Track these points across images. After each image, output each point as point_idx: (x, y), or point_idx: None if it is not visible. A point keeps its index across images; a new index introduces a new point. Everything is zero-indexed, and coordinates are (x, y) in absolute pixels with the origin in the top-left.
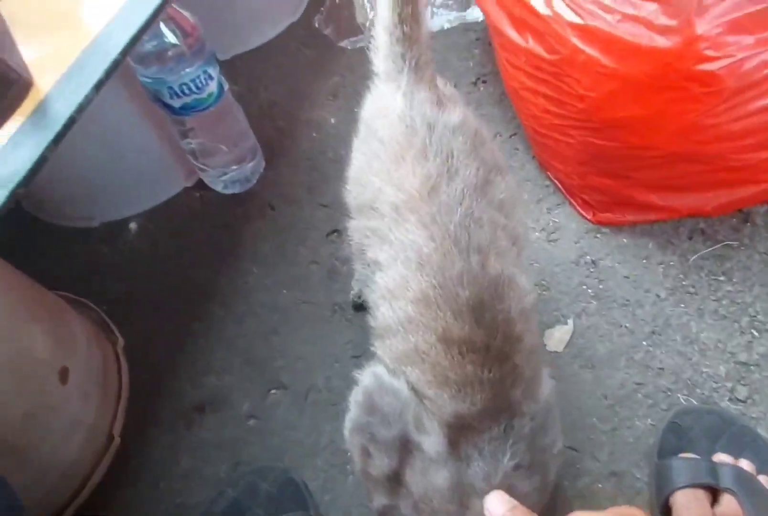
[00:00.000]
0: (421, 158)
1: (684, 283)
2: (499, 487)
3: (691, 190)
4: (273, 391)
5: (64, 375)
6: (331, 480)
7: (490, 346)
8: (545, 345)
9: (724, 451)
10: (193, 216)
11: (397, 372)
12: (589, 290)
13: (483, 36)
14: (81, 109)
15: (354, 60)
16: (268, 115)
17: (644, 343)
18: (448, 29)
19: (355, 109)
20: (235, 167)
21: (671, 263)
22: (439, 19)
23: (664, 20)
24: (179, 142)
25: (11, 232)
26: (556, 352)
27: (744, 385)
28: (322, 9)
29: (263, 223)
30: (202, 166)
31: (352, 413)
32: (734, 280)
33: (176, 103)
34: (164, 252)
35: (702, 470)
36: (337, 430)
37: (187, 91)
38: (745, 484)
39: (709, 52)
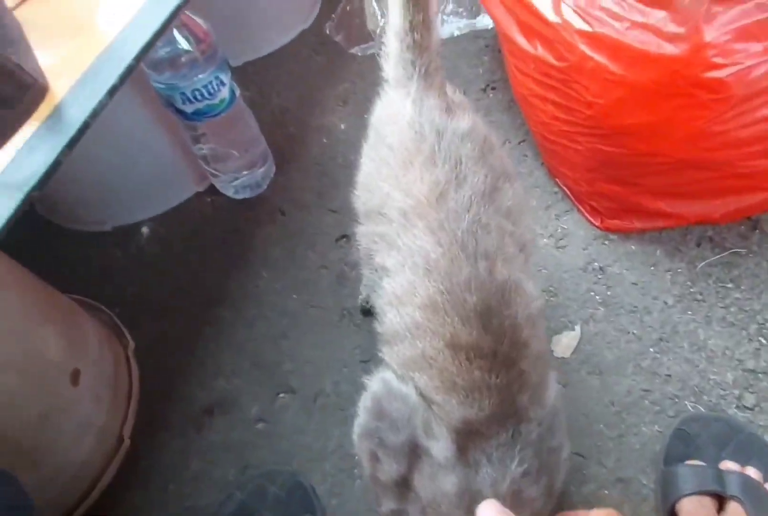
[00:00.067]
0: (430, 164)
1: (692, 290)
2: (506, 493)
3: (699, 197)
4: (282, 395)
5: (75, 377)
6: (338, 484)
7: (497, 352)
8: (552, 351)
9: (731, 459)
10: (204, 220)
11: (405, 378)
12: (597, 297)
13: (492, 43)
14: (95, 114)
15: (365, 66)
16: (279, 120)
17: (651, 349)
18: (458, 36)
19: (365, 116)
20: (246, 172)
21: (679, 270)
22: (449, 27)
23: (672, 27)
24: (191, 147)
25: (25, 236)
26: (564, 358)
27: (752, 392)
28: (333, 16)
29: (273, 227)
30: (213, 171)
31: (361, 418)
32: (742, 287)
33: (188, 109)
34: (175, 256)
35: (708, 477)
36: (345, 434)
37: (199, 97)
38: (751, 492)
39: (717, 60)
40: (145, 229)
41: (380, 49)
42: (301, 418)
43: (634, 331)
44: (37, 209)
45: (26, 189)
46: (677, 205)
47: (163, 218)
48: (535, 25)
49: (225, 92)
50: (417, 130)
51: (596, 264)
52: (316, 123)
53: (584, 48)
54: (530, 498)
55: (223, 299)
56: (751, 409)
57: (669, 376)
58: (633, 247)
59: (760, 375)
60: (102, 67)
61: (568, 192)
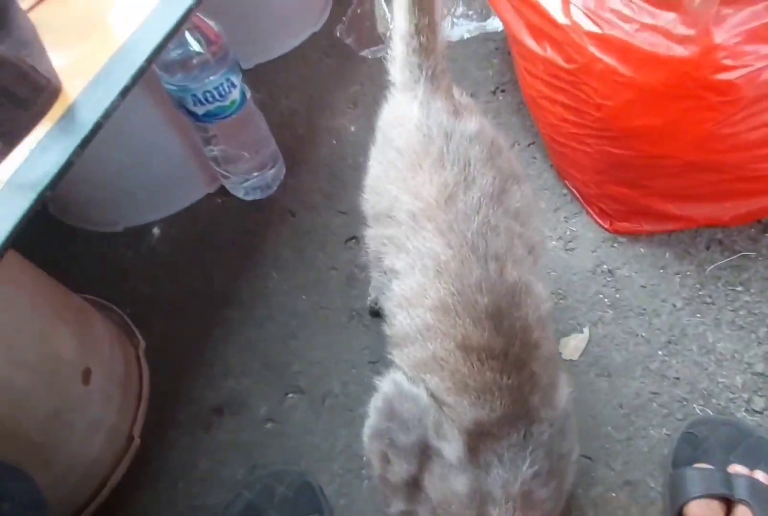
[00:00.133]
0: (438, 167)
1: (701, 293)
2: (517, 494)
3: (709, 200)
4: (290, 395)
5: (86, 376)
6: (346, 485)
7: (508, 353)
8: (561, 353)
9: (739, 463)
10: (214, 221)
11: (415, 380)
12: (606, 299)
13: (502, 46)
14: (107, 114)
15: (374, 69)
16: (289, 123)
17: (660, 352)
18: (467, 39)
19: (375, 118)
20: (256, 174)
21: (688, 273)
22: (459, 29)
23: (682, 29)
24: (202, 148)
25: (38, 236)
26: (572, 360)
27: (761, 396)
28: (344, 19)
29: (283, 229)
30: (224, 173)
31: (372, 419)
32: (752, 290)
33: (200, 110)
34: (186, 257)
35: (717, 481)
36: (353, 435)
37: (210, 99)
38: (759, 496)
39: (727, 62)
40: (156, 230)
41: (387, 53)
42: (310, 419)
43: (643, 334)
44: (50, 210)
45: (39, 189)
46: (686, 208)
47: (174, 219)
48: (544, 27)
49: (236, 94)
50: (425, 133)
51: (605, 266)
52: (326, 125)
53: (593, 50)
54: (541, 499)
55: (233, 300)
56: (760, 413)
57: (677, 379)
58: (642, 249)
59: None
60: (114, 68)
61: (577, 194)
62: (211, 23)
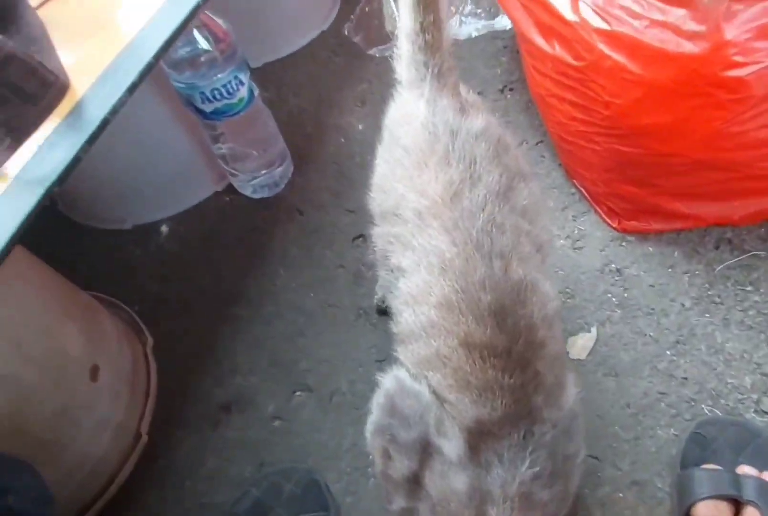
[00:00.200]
0: (444, 164)
1: (710, 292)
2: (515, 494)
3: (718, 199)
4: (298, 393)
5: (94, 373)
6: (353, 483)
7: (511, 351)
8: (568, 352)
9: (748, 464)
10: (222, 219)
11: (418, 377)
12: (614, 298)
13: (511, 44)
14: (115, 110)
15: (382, 67)
16: (297, 121)
17: (668, 352)
18: (476, 37)
19: (383, 116)
20: (264, 172)
21: (697, 272)
22: (467, 28)
23: (692, 26)
24: (210, 146)
25: (46, 233)
26: (579, 359)
27: None
28: (352, 17)
29: (291, 227)
30: (232, 171)
31: (374, 415)
32: (761, 290)
33: (208, 108)
34: (194, 254)
35: (725, 482)
36: (360, 433)
37: (218, 96)
38: None
39: (738, 58)
40: (164, 228)
41: (394, 51)
42: (317, 417)
43: (651, 334)
44: (59, 207)
45: (47, 184)
46: (695, 207)
47: (182, 217)
48: (553, 25)
49: (244, 92)
50: (431, 131)
51: (613, 265)
52: (334, 123)
53: (602, 47)
54: (541, 501)
55: (240, 297)
56: None
57: (686, 379)
58: (650, 248)
59: None
60: (122, 65)
61: (586, 193)
62: (220, 21)
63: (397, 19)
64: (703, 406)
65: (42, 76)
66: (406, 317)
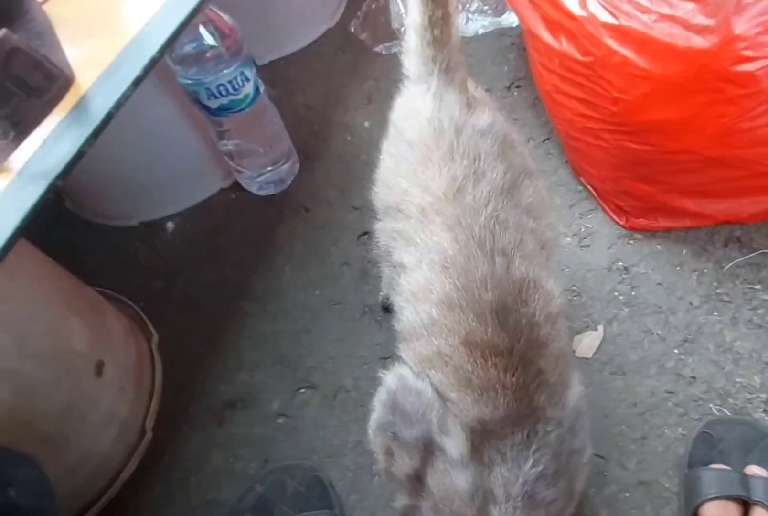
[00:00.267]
0: (448, 160)
1: (718, 291)
2: (518, 493)
3: (727, 196)
4: (302, 390)
5: (99, 368)
6: (358, 480)
7: (513, 350)
8: (574, 351)
9: (756, 464)
10: (228, 216)
11: (421, 375)
12: (621, 297)
13: (518, 41)
14: (119, 105)
15: (389, 65)
16: (303, 118)
17: (676, 351)
18: (483, 34)
19: (389, 113)
20: (270, 168)
21: (705, 271)
22: (474, 25)
23: (701, 20)
24: (216, 143)
25: (53, 230)
26: (586, 358)
27: None
28: (358, 14)
29: (297, 224)
30: (238, 168)
31: (376, 413)
32: None
33: (213, 104)
34: (200, 251)
35: (733, 482)
36: (365, 430)
37: (224, 92)
38: None
39: (747, 53)
40: (170, 225)
41: (402, 46)
42: (322, 414)
43: (659, 332)
44: (66, 204)
45: (52, 177)
46: (704, 204)
47: (188, 214)
48: (560, 20)
49: (249, 88)
50: (436, 126)
51: (620, 263)
52: (341, 121)
53: (610, 42)
54: (546, 500)
55: (246, 294)
56: None
57: (694, 378)
58: (659, 246)
59: None
60: (127, 59)
61: (593, 190)
62: (226, 17)
63: (403, 16)
64: (711, 405)
65: (46, 69)
66: (408, 315)
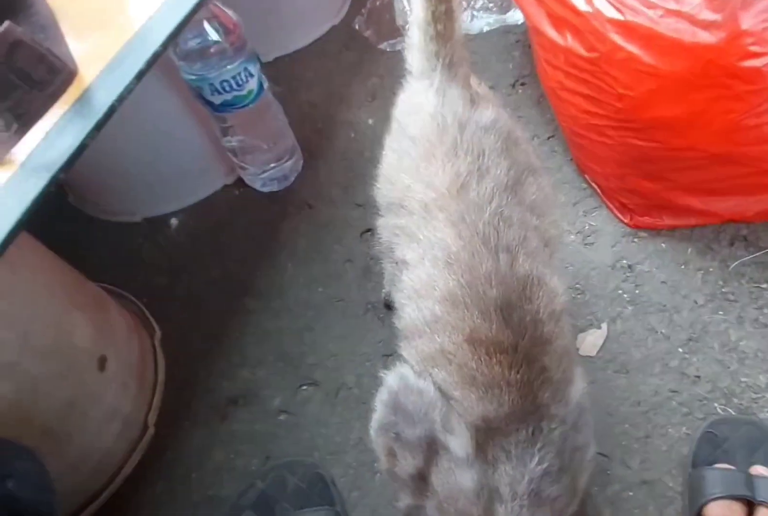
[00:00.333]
0: (452, 156)
1: (724, 290)
2: (524, 491)
3: (733, 194)
4: (304, 387)
5: (102, 363)
6: (359, 477)
7: (517, 347)
8: (577, 349)
9: (761, 464)
10: (231, 213)
11: (423, 374)
12: (625, 295)
13: (523, 39)
14: (122, 98)
15: (393, 62)
16: (307, 115)
17: (680, 349)
18: (488, 32)
19: (393, 109)
20: (274, 165)
21: (711, 269)
22: (479, 22)
23: (707, 15)
24: (220, 140)
25: (57, 225)
26: (589, 356)
27: None
28: (363, 11)
29: (300, 221)
30: (241, 164)
31: (378, 413)
32: None
33: (217, 100)
34: (203, 247)
35: (738, 482)
36: (366, 428)
37: (227, 88)
38: None
39: (755, 48)
40: (173, 221)
41: (405, 41)
42: (324, 411)
43: (663, 331)
44: (69, 199)
45: (55, 169)
46: (710, 202)
47: (192, 210)
48: (565, 16)
49: (253, 84)
50: (439, 122)
51: (625, 261)
52: (344, 118)
53: (615, 37)
54: (551, 497)
55: (248, 291)
56: None
57: (698, 377)
58: (663, 244)
59: None
60: (130, 53)
61: (598, 188)
62: (230, 12)
63: (408, 13)
64: (715, 404)
65: (50, 62)
66: (410, 312)
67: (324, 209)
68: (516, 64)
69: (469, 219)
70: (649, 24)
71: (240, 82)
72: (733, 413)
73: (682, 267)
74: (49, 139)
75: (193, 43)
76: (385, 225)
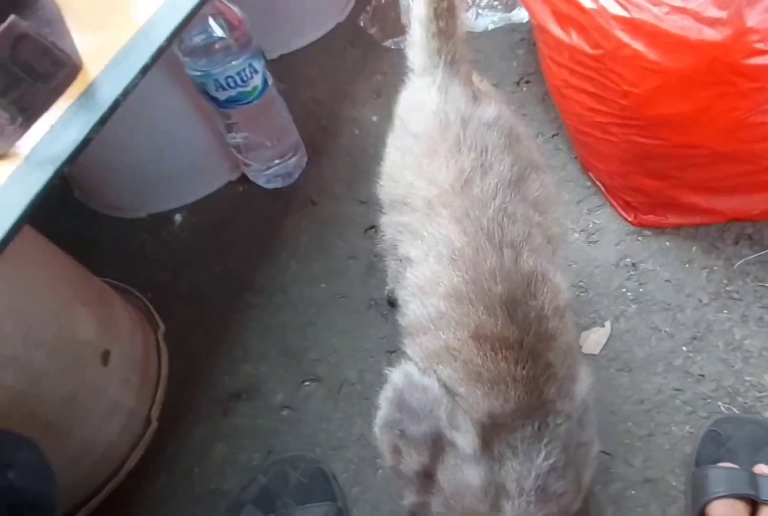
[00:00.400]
0: (455, 152)
1: (728, 288)
2: (531, 487)
3: (738, 192)
4: (307, 383)
5: (105, 357)
6: (360, 473)
7: (523, 343)
8: (580, 347)
9: (765, 463)
10: (236, 209)
11: (427, 371)
12: (629, 293)
13: (528, 37)
14: (126, 92)
15: (398, 59)
16: (312, 112)
17: (684, 348)
18: (492, 30)
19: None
20: (278, 162)
21: (715, 268)
22: (483, 20)
23: (713, 12)
24: (225, 136)
25: (62, 221)
26: (592, 354)
27: None
28: (368, 9)
29: (304, 217)
30: (246, 161)
31: (382, 410)
32: None
33: (221, 96)
34: (207, 243)
35: (741, 481)
36: (368, 423)
37: (232, 84)
38: None
39: (760, 46)
40: (178, 217)
41: (406, 38)
42: (326, 407)
43: (667, 329)
44: (75, 195)
45: (58, 163)
46: (715, 200)
47: (196, 206)
48: (570, 13)
49: (257, 80)
50: (442, 118)
51: (629, 260)
52: (349, 115)
53: (620, 35)
54: (557, 493)
55: (252, 287)
56: None
57: (702, 375)
58: (668, 243)
59: None
60: (135, 48)
61: (602, 186)
62: (235, 9)
63: (410, 5)
64: (719, 403)
65: (54, 55)
66: (414, 309)
67: (328, 206)
68: (521, 62)
69: (473, 215)
70: (655, 21)
71: (244, 79)
72: (737, 412)
73: (687, 265)
74: (54, 132)
75: (198, 39)
76: (388, 222)
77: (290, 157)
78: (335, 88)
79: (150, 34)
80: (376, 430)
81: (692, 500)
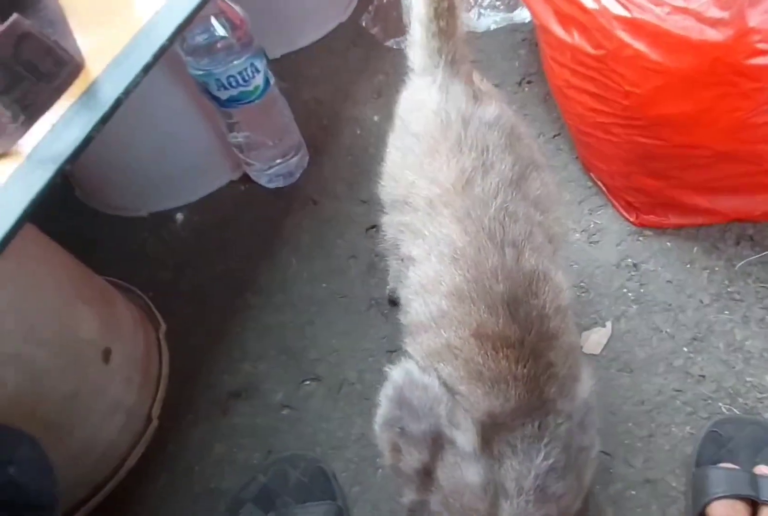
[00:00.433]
0: (456, 152)
1: (729, 289)
2: (530, 487)
3: (740, 193)
4: (307, 382)
5: (107, 356)
6: (360, 472)
7: (524, 342)
8: (581, 347)
9: (766, 464)
10: (237, 208)
11: (428, 369)
12: (630, 294)
13: (530, 37)
14: (128, 91)
15: (399, 59)
16: (313, 112)
17: (685, 349)
18: (494, 30)
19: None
20: (279, 161)
21: (716, 269)
22: (485, 20)
23: (714, 12)
24: (226, 135)
25: (64, 220)
26: (593, 354)
27: None
28: (370, 9)
29: (305, 216)
30: (247, 160)
31: (382, 408)
32: None
33: (223, 95)
34: (208, 242)
35: (742, 481)
36: (368, 423)
37: (234, 84)
38: None
39: (762, 46)
40: (179, 216)
41: (407, 38)
42: (326, 406)
43: (668, 330)
44: (76, 193)
45: (60, 162)
46: (716, 201)
47: (198, 205)
48: (572, 13)
49: (259, 79)
50: (443, 118)
51: (630, 260)
52: (350, 115)
53: (622, 35)
54: (556, 494)
55: (253, 286)
56: None
57: (703, 376)
58: (669, 243)
59: None
60: (136, 47)
61: (603, 186)
62: (237, 8)
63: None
64: (720, 404)
65: (57, 55)
66: (416, 307)
67: (329, 205)
68: (522, 63)
69: (474, 214)
70: (656, 21)
71: (246, 78)
72: (738, 413)
73: (688, 266)
74: (56, 131)
75: (200, 39)
76: (389, 222)
77: (292, 157)
78: (337, 88)
79: (152, 33)
80: (376, 427)
81: (692, 501)
